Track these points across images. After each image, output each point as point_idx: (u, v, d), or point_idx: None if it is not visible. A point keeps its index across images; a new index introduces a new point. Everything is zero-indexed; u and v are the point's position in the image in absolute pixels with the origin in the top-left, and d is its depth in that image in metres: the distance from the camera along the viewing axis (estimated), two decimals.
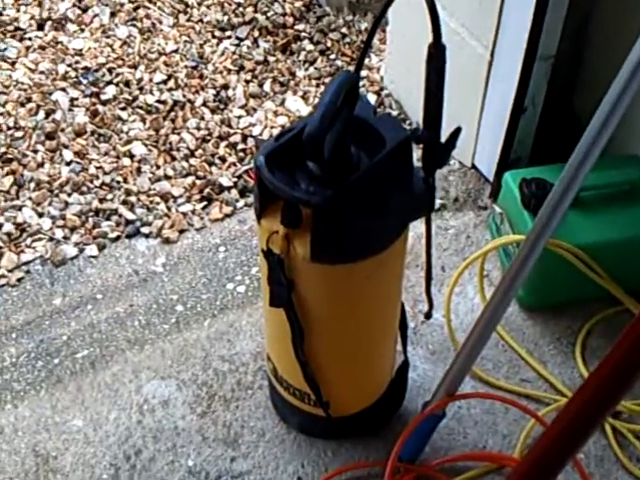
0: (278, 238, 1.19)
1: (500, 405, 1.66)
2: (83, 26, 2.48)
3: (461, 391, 1.51)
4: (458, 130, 1.17)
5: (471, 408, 1.66)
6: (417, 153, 1.19)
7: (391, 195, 1.16)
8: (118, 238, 1.97)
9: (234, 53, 2.43)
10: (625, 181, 1.74)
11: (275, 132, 2.20)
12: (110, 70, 2.34)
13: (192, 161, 2.12)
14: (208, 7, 2.57)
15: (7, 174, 2.07)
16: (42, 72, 2.32)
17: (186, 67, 2.37)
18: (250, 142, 2.18)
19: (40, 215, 1.99)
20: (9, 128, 2.17)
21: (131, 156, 2.13)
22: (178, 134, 2.18)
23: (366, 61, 2.41)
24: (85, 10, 2.53)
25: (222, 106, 2.28)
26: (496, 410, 1.65)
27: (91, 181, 2.06)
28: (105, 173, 2.08)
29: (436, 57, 1.10)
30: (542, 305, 1.82)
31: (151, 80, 2.32)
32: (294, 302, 1.26)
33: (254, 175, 1.20)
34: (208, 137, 2.18)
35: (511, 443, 1.61)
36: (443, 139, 1.18)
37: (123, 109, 2.25)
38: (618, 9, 1.78)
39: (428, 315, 1.55)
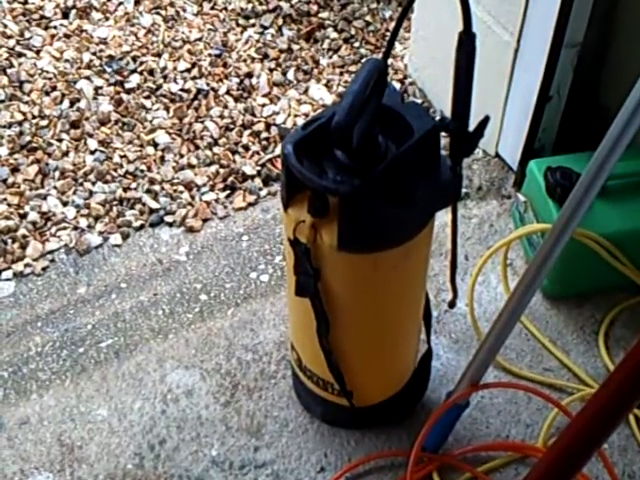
0: (305, 227, 1.19)
1: (523, 394, 1.65)
2: (108, 14, 2.49)
3: (484, 380, 1.51)
4: (486, 119, 1.16)
5: (494, 397, 1.66)
6: (444, 141, 1.18)
7: (418, 184, 1.16)
8: (142, 227, 1.97)
9: (258, 41, 2.42)
10: None
11: (299, 121, 2.20)
12: (134, 58, 2.34)
13: (215, 150, 2.13)
14: None
15: (32, 163, 2.07)
16: (67, 60, 2.32)
17: (210, 55, 2.37)
18: (274, 131, 2.17)
19: (65, 204, 2.00)
20: (34, 117, 2.17)
21: (155, 145, 2.13)
22: (202, 123, 2.18)
23: None
24: None
25: (246, 94, 2.28)
26: (519, 399, 1.65)
27: (115, 170, 2.07)
28: (129, 162, 2.09)
29: (466, 45, 1.10)
30: (566, 294, 1.82)
31: (175, 68, 2.32)
32: (320, 291, 1.26)
33: (281, 164, 1.20)
34: (232, 126, 2.18)
35: (534, 433, 1.61)
36: (471, 128, 1.17)
37: (147, 98, 2.25)
38: None
39: (452, 304, 1.54)
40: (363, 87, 1.06)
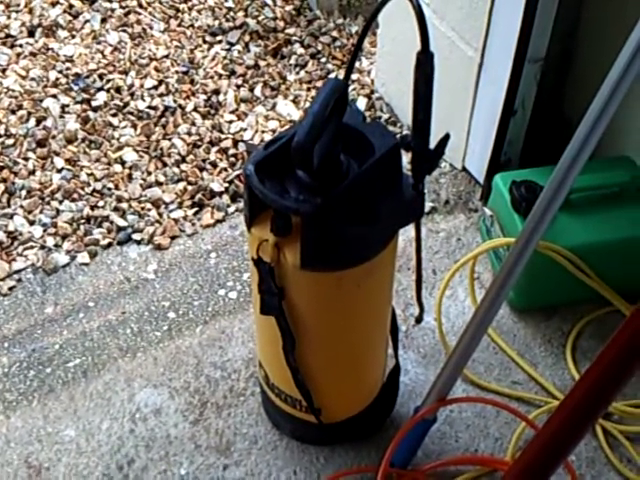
0: (268, 246, 1.19)
1: (491, 408, 1.66)
2: (74, 32, 2.49)
3: (452, 394, 1.52)
4: (447, 137, 1.17)
5: (462, 411, 1.66)
6: (407, 158, 1.19)
7: (380, 202, 1.17)
8: (110, 245, 1.97)
9: (225, 58, 2.43)
10: (614, 183, 1.74)
11: (266, 137, 2.20)
12: (101, 76, 2.34)
13: (183, 167, 2.13)
14: (199, 12, 2.58)
15: None
16: (33, 79, 2.32)
17: (177, 72, 2.38)
18: (241, 147, 2.18)
19: (31, 223, 1.99)
20: (0, 136, 2.17)
21: (122, 162, 2.13)
22: (169, 140, 2.18)
23: (357, 64, 2.41)
24: (76, 16, 2.53)
25: (213, 111, 2.28)
26: (487, 413, 1.66)
27: (82, 188, 2.06)
28: (96, 180, 2.08)
29: (424, 65, 1.10)
30: (533, 307, 1.83)
31: (142, 86, 2.32)
32: (285, 310, 1.26)
33: (243, 184, 1.20)
34: (199, 142, 2.19)
35: (503, 446, 1.61)
36: (432, 145, 1.18)
37: (114, 115, 2.25)
38: (607, 12, 1.78)
39: (419, 320, 1.56)
40: (323, 107, 1.07)
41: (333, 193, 1.12)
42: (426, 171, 1.20)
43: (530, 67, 1.80)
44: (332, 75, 2.39)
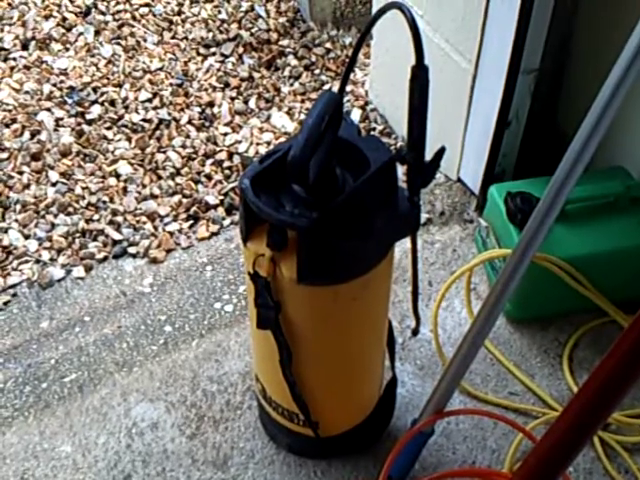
0: (264, 261, 1.19)
1: (489, 419, 1.66)
2: (68, 45, 2.49)
3: (450, 406, 1.51)
4: (442, 150, 1.17)
5: (460, 423, 1.66)
6: (402, 170, 1.19)
7: (376, 216, 1.16)
8: (105, 259, 1.97)
9: (219, 70, 2.43)
10: (609, 193, 1.74)
11: (261, 149, 2.20)
12: (95, 89, 2.34)
13: (178, 180, 2.12)
14: (192, 24, 2.58)
15: None
16: (27, 92, 2.32)
17: (171, 85, 2.38)
18: (236, 159, 2.18)
19: (26, 237, 1.99)
20: None
21: (117, 176, 2.13)
22: (164, 153, 2.19)
23: (351, 76, 2.41)
24: (69, 29, 2.54)
25: (207, 124, 2.28)
26: (485, 425, 1.66)
27: (77, 202, 2.06)
28: (91, 193, 2.08)
29: (419, 78, 1.10)
30: (529, 318, 1.83)
31: (136, 99, 2.33)
32: (281, 324, 1.26)
33: (239, 198, 1.20)
34: (194, 155, 2.19)
35: (500, 458, 1.61)
36: (428, 157, 1.18)
37: (108, 128, 2.25)
38: (600, 24, 1.79)
39: (415, 332, 1.56)
40: (318, 121, 1.07)
41: (329, 207, 1.12)
42: (421, 184, 1.20)
43: (524, 78, 1.81)
44: (326, 86, 2.39)
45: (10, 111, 2.26)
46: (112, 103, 2.31)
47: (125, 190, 2.10)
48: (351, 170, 1.18)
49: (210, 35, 2.53)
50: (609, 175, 1.81)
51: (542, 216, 1.24)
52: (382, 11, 1.11)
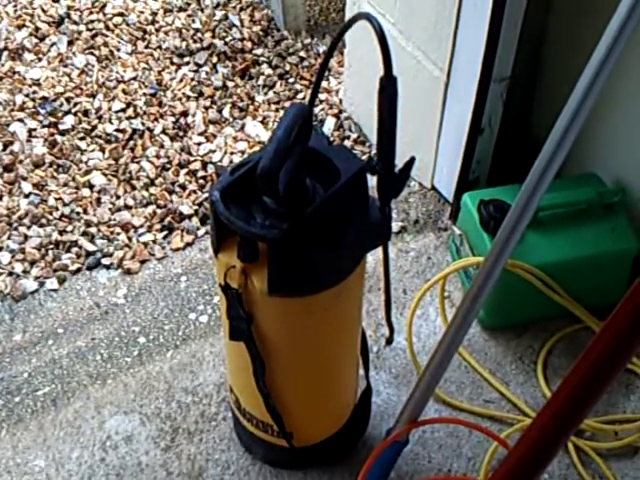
0: (235, 272, 1.18)
1: (464, 427, 1.66)
2: (40, 55, 2.47)
3: (425, 414, 1.51)
4: (412, 160, 1.17)
5: (435, 432, 1.66)
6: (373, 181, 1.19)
7: (347, 226, 1.16)
8: (79, 270, 1.95)
9: (193, 79, 2.43)
10: (582, 200, 1.75)
11: (235, 158, 2.20)
12: (68, 99, 2.33)
13: (152, 190, 2.12)
14: (166, 33, 2.57)
15: None
16: None
17: (145, 95, 2.37)
18: (210, 169, 2.17)
19: None
20: None
21: (91, 186, 2.12)
22: (138, 163, 2.18)
23: (325, 84, 2.42)
24: (42, 39, 2.52)
25: (181, 133, 2.27)
26: (460, 433, 1.66)
27: (50, 213, 2.05)
28: (65, 204, 2.07)
29: (388, 89, 1.10)
30: (503, 325, 1.83)
31: (110, 109, 2.31)
32: (254, 335, 1.26)
33: (210, 210, 1.19)
34: (168, 165, 2.18)
35: (476, 466, 1.61)
36: (398, 167, 1.18)
37: (82, 139, 2.24)
38: (570, 33, 1.80)
39: (389, 341, 1.55)
40: (287, 132, 1.07)
41: (299, 218, 1.12)
42: (392, 195, 1.20)
43: (496, 86, 1.81)
44: (300, 95, 2.39)
45: None
46: (85, 113, 2.29)
47: (99, 201, 2.09)
48: (322, 181, 1.18)
49: (184, 44, 2.52)
50: (581, 182, 1.81)
51: (514, 223, 1.24)
52: (351, 22, 1.12)
